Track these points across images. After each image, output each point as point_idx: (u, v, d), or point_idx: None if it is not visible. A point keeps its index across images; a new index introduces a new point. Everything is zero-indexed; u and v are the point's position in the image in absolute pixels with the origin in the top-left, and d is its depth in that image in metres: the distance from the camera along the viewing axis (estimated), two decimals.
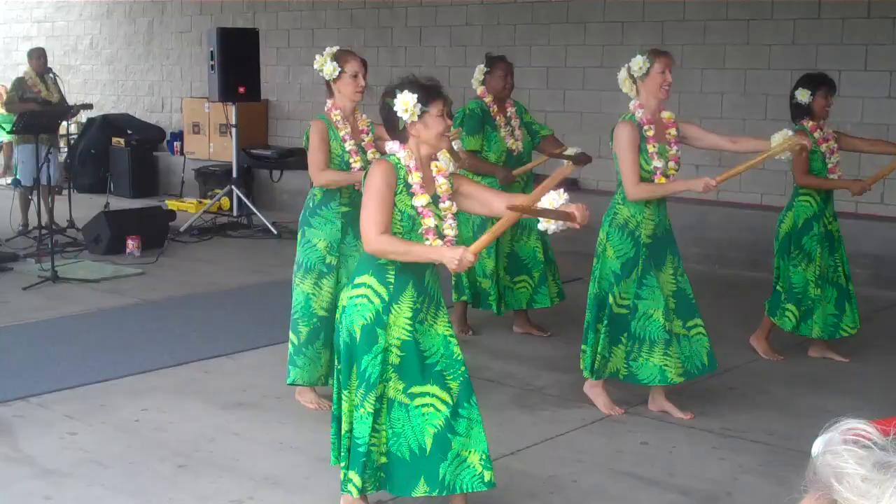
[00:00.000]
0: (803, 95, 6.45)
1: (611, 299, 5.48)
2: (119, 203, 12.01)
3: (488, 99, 6.96)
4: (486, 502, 4.46)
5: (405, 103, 3.95)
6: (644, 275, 5.46)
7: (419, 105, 3.96)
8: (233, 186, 11.80)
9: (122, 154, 13.99)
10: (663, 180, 5.42)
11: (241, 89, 11.62)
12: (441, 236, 4.05)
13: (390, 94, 4.01)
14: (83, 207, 11.37)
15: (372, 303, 4.01)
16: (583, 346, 5.66)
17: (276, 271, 9.33)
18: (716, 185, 5.33)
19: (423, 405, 4.03)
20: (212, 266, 9.67)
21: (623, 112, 5.56)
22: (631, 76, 5.49)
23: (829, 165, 6.45)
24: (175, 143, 14.39)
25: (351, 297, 4.06)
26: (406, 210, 4.00)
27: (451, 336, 4.13)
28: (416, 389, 4.03)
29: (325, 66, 5.48)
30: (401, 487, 4.12)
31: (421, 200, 4.00)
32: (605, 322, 5.50)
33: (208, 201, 12.14)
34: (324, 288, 5.58)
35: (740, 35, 9.69)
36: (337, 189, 5.55)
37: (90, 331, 7.31)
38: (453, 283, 7.06)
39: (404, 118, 3.97)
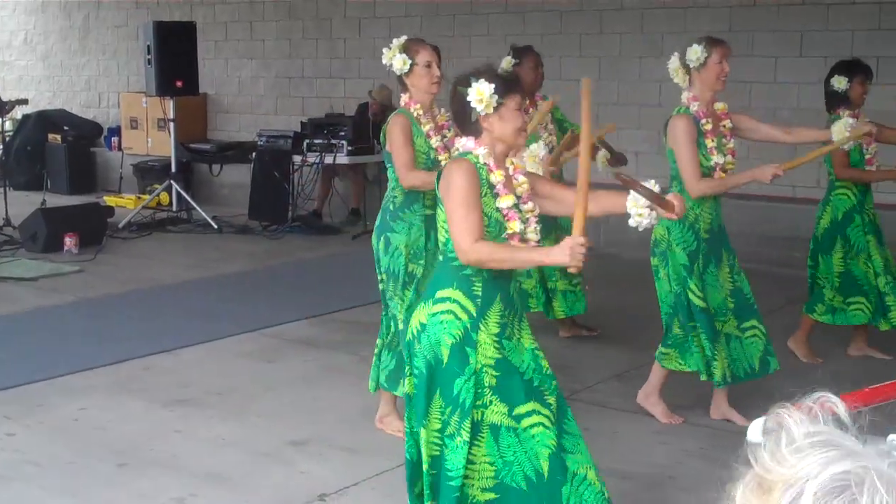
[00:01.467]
0: (840, 83, 6.17)
1: (690, 295, 5.21)
2: (56, 200, 11.85)
3: None
4: None
5: (480, 93, 3.56)
6: (703, 271, 5.25)
7: (496, 96, 3.57)
8: (172, 181, 11.67)
9: (58, 150, 13.78)
10: (723, 175, 5.20)
11: (179, 83, 11.49)
12: (524, 241, 3.69)
13: (464, 82, 3.64)
14: (19, 205, 11.18)
15: (459, 319, 3.58)
16: (664, 350, 5.40)
17: (216, 266, 9.27)
18: (782, 173, 5.11)
19: (532, 426, 3.60)
20: (151, 262, 9.56)
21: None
22: (685, 66, 5.20)
23: (867, 156, 6.22)
24: (112, 139, 14.20)
25: (434, 314, 3.61)
26: (492, 213, 3.60)
27: (537, 349, 3.75)
28: (520, 410, 3.60)
29: (395, 59, 4.99)
30: None
31: (506, 202, 3.62)
32: (698, 320, 5.22)
33: (147, 197, 12.00)
34: (405, 299, 5.06)
35: (678, 23, 9.74)
36: (419, 191, 5.04)
37: (27, 330, 7.20)
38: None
39: (478, 109, 3.59)
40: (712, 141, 5.17)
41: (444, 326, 3.59)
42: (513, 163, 3.74)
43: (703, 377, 5.30)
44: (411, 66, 4.98)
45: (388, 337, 5.20)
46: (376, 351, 5.27)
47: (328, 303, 7.81)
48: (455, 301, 3.60)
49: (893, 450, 1.10)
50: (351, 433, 5.28)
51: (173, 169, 11.82)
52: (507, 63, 6.45)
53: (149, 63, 11.44)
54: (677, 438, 5.19)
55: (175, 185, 11.64)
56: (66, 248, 9.67)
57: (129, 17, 14.56)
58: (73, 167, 13.71)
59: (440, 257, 3.75)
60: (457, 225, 3.54)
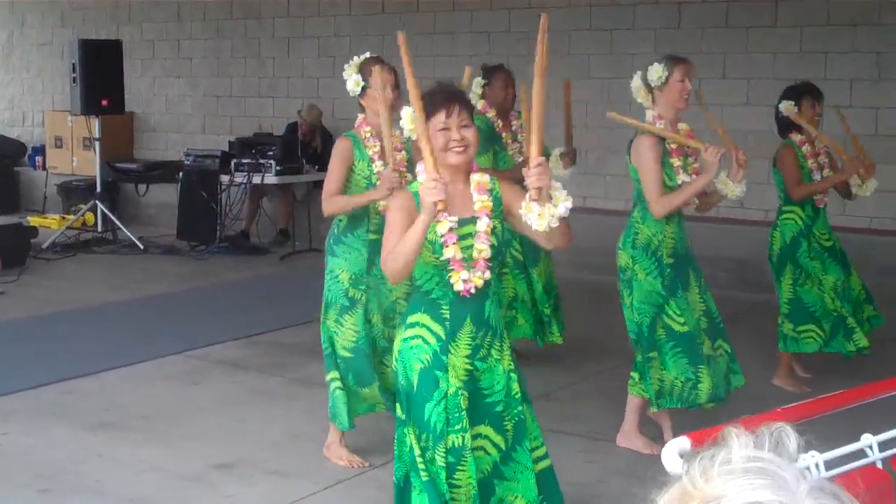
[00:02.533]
0: (788, 108, 6.19)
1: (667, 320, 5.11)
2: None
3: (491, 113, 6.45)
4: None
5: (408, 117, 3.56)
6: (684, 295, 5.17)
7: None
8: (97, 201, 11.53)
9: None
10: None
11: (105, 102, 11.37)
12: (470, 260, 3.58)
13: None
14: None
15: (428, 343, 3.58)
16: (637, 378, 5.32)
17: (141, 287, 9.17)
18: (723, 150, 4.94)
19: (476, 448, 3.62)
20: (75, 283, 9.43)
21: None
22: (647, 85, 5.13)
23: (811, 167, 6.23)
24: (37, 158, 14.01)
25: (405, 340, 3.63)
26: (434, 239, 3.53)
27: (513, 372, 3.71)
28: (474, 431, 3.62)
29: (349, 80, 4.92)
30: None
31: (442, 227, 3.53)
32: (672, 345, 5.11)
33: (72, 217, 11.84)
34: (346, 325, 4.97)
35: (604, 45, 9.86)
36: (365, 214, 4.95)
37: None
38: None
39: (411, 135, 3.60)
40: (678, 160, 5.10)
41: (414, 352, 3.59)
42: (477, 180, 3.64)
43: (654, 408, 5.26)
44: (364, 87, 4.92)
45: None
46: None
47: (256, 324, 7.76)
48: (423, 325, 3.59)
49: (822, 489, 1.11)
50: (278, 456, 5.24)
51: (98, 189, 11.68)
52: (476, 84, 6.37)
53: (74, 81, 11.31)
54: (603, 457, 5.24)
55: (100, 205, 11.50)
56: None
57: (55, 35, 14.39)
58: None
59: (410, 283, 3.74)
60: (385, 244, 3.54)
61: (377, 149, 4.94)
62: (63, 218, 12.09)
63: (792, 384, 6.35)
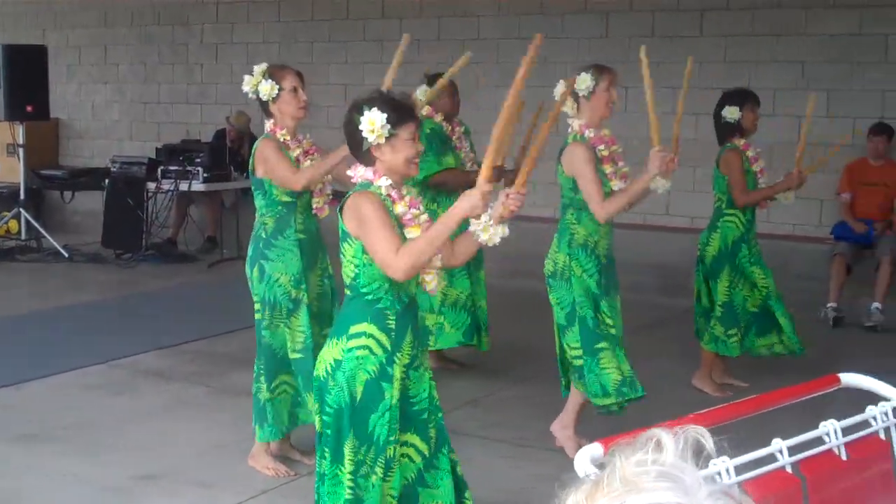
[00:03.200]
0: (732, 113, 6.29)
1: (599, 317, 5.18)
2: None
3: (439, 118, 6.56)
4: None
5: (372, 122, 3.52)
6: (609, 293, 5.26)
7: (388, 126, 3.53)
8: (21, 209, 11.33)
9: None
10: None
11: (29, 108, 11.16)
12: (429, 269, 3.66)
13: (357, 109, 3.59)
14: None
15: (375, 354, 3.56)
16: (575, 381, 5.32)
17: (65, 296, 9.04)
18: (665, 151, 5.03)
19: (402, 455, 3.66)
20: None
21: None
22: (574, 94, 5.18)
23: (762, 186, 6.36)
24: None
25: (349, 350, 3.57)
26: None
27: (432, 379, 3.78)
28: (401, 439, 3.66)
29: (261, 85, 4.91)
30: None
31: (413, 233, 3.57)
32: (608, 340, 5.19)
33: None
34: (293, 326, 4.96)
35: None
36: (291, 215, 4.96)
37: None
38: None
39: (370, 139, 3.55)
40: (610, 167, 5.18)
41: (360, 362, 3.56)
42: (409, 191, 3.71)
43: (597, 402, 5.26)
44: (279, 91, 4.94)
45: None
46: None
47: (182, 333, 7.68)
48: (370, 336, 3.57)
49: (723, 493, 1.13)
50: (203, 467, 5.19)
51: (22, 196, 11.47)
52: (422, 92, 6.35)
53: None
54: (529, 464, 5.26)
55: (24, 213, 11.30)
56: None
57: None
58: None
59: (349, 292, 3.67)
60: (380, 246, 3.49)
61: (299, 150, 5.01)
62: None
63: (711, 387, 6.44)
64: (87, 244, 11.16)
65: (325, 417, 3.64)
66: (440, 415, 3.77)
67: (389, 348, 3.57)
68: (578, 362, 5.23)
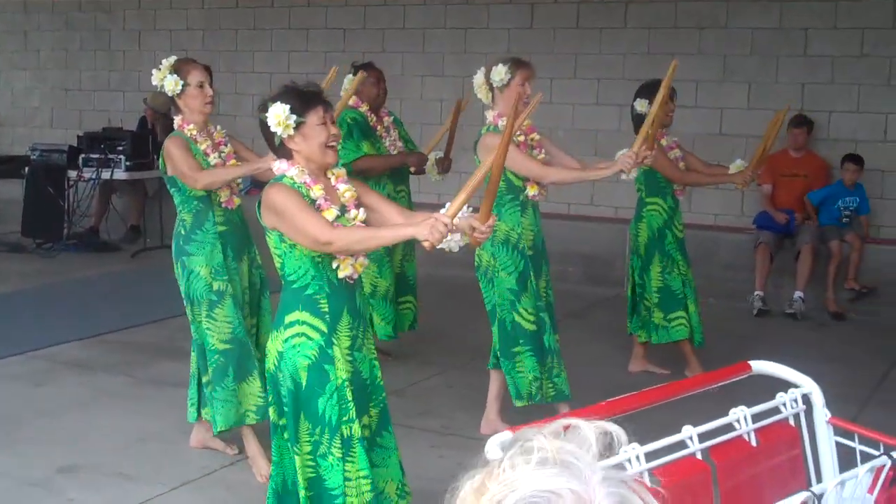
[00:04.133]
0: (642, 105, 6.29)
1: (517, 318, 5.25)
2: None
3: (364, 108, 6.53)
4: None
5: (277, 116, 3.54)
6: (536, 286, 5.29)
7: (293, 116, 3.55)
8: None
9: None
10: (535, 188, 5.24)
11: None
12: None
13: (263, 107, 3.63)
14: None
15: (311, 339, 3.60)
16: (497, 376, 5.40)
17: None
18: (637, 159, 5.19)
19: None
20: None
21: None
22: (489, 84, 5.27)
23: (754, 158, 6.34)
24: None
25: (287, 340, 3.62)
26: None
27: (375, 359, 3.83)
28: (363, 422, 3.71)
29: (166, 80, 4.90)
30: None
31: (330, 215, 3.59)
32: (524, 343, 5.27)
33: None
34: (219, 318, 4.93)
35: (458, 43, 9.94)
36: (209, 209, 4.96)
37: None
38: None
39: (279, 132, 3.57)
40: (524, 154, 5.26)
41: (298, 350, 3.60)
42: (333, 172, 3.72)
43: (516, 402, 5.34)
44: (183, 86, 4.93)
45: (195, 365, 5.12)
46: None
47: (104, 323, 7.58)
48: (304, 323, 3.61)
49: (615, 478, 1.15)
50: (125, 459, 5.14)
51: None
52: (348, 81, 6.46)
53: None
54: (454, 452, 5.28)
55: None
56: None
57: None
58: None
59: (283, 283, 3.72)
60: (308, 227, 3.51)
61: (207, 144, 5.01)
62: None
63: (652, 364, 6.57)
64: (6, 233, 10.97)
65: (283, 408, 3.67)
66: (383, 395, 3.82)
67: (326, 331, 3.61)
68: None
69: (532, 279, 5.29)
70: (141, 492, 4.75)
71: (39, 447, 5.29)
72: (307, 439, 3.62)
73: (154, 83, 5.00)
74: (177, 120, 5.02)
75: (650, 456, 2.16)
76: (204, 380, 5.04)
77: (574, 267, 9.00)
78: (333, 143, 3.65)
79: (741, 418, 2.44)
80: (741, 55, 8.95)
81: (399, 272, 6.64)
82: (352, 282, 3.70)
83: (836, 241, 8.20)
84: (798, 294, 8.09)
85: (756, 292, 8.20)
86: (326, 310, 3.62)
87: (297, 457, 3.63)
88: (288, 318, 3.64)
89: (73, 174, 10.56)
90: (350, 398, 3.60)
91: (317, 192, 3.61)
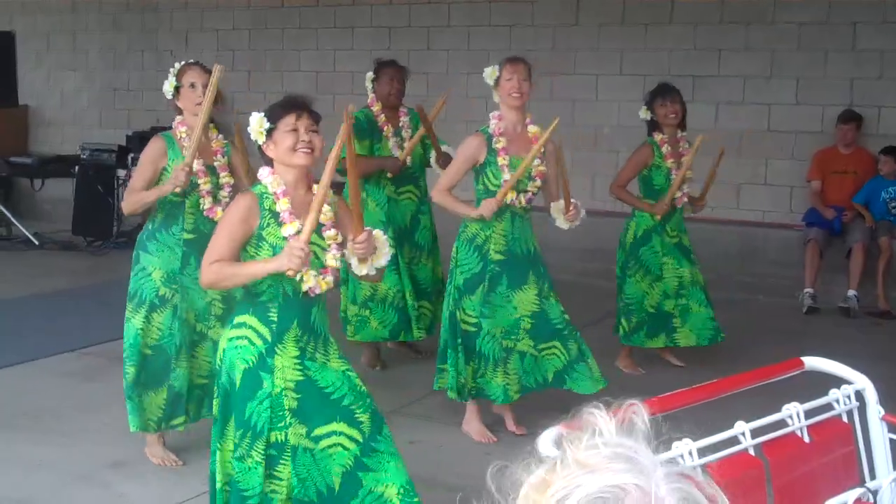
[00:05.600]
0: (643, 113, 6.38)
1: (459, 315, 5.30)
2: None
3: (377, 108, 6.49)
4: None
5: (253, 124, 3.72)
6: (489, 292, 5.25)
7: (266, 123, 3.69)
8: None
9: None
10: (513, 195, 5.19)
11: None
12: (322, 267, 3.76)
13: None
14: None
15: (254, 345, 3.69)
16: (440, 365, 5.45)
17: (36, 283, 8.99)
18: (496, 207, 5.15)
19: (330, 446, 3.72)
20: None
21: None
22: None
23: (674, 181, 6.29)
24: None
25: (231, 339, 3.73)
26: (278, 244, 3.67)
27: (349, 370, 3.84)
28: (319, 431, 3.71)
29: (165, 83, 5.00)
30: None
31: (289, 229, 3.66)
32: (460, 340, 5.32)
33: None
34: (153, 322, 4.94)
35: (503, 41, 9.93)
36: (180, 212, 4.92)
37: None
38: (357, 323, 6.50)
39: (257, 140, 3.73)
40: (504, 159, 5.20)
41: (239, 351, 3.70)
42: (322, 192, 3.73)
43: (451, 395, 5.41)
44: (177, 87, 4.97)
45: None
46: None
47: None
48: (250, 327, 3.71)
49: (673, 472, 1.15)
50: (174, 453, 5.18)
51: None
52: (368, 79, 6.51)
53: None
54: (500, 450, 5.28)
55: None
56: None
57: None
58: None
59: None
60: (209, 248, 3.71)
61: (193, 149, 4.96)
62: None
63: (630, 366, 6.62)
64: (56, 232, 11.10)
65: (217, 400, 3.80)
66: (369, 400, 3.82)
67: (270, 340, 3.69)
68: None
69: (486, 286, 5.26)
70: (188, 487, 4.80)
71: (90, 442, 5.35)
72: (231, 438, 3.72)
73: (164, 89, 5.04)
74: (176, 119, 5.03)
75: (702, 452, 2.15)
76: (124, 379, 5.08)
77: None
78: (303, 149, 3.69)
79: (794, 414, 2.42)
80: (789, 50, 8.87)
81: (409, 276, 6.57)
82: (312, 295, 3.75)
83: (886, 237, 8.13)
84: (852, 292, 8.03)
85: (806, 290, 8.13)
86: (275, 319, 3.71)
87: (219, 451, 3.76)
88: (237, 319, 3.77)
89: (122, 173, 10.67)
90: (289, 406, 3.68)
91: (282, 205, 3.70)
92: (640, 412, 1.22)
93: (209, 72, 4.89)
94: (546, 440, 1.87)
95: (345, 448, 3.73)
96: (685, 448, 2.06)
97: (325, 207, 3.74)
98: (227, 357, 3.72)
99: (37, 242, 10.63)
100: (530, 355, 5.36)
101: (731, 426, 2.33)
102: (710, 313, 6.46)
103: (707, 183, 6.55)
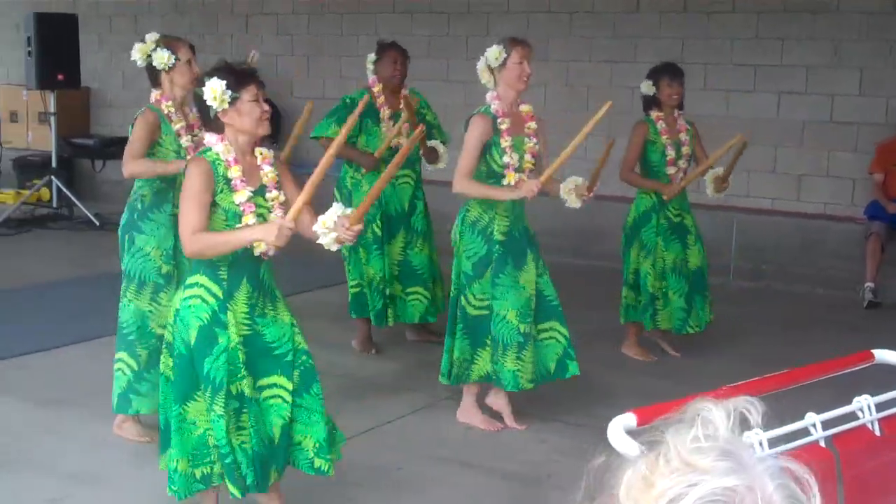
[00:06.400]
0: (647, 87, 6.43)
1: (463, 301, 5.31)
2: None
3: (377, 88, 6.50)
4: (310, 493, 4.46)
5: (213, 91, 3.79)
6: (497, 274, 5.24)
7: (229, 91, 3.80)
8: (52, 176, 11.41)
9: None
10: (514, 176, 5.19)
11: (60, 76, 11.24)
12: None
13: (200, 82, 3.90)
14: None
15: (207, 302, 3.87)
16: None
17: (97, 264, 9.07)
18: (538, 189, 5.12)
19: (271, 397, 3.98)
20: (30, 259, 9.36)
21: (478, 105, 5.38)
22: (489, 67, 5.26)
23: (668, 158, 6.37)
24: None
25: (184, 299, 3.91)
26: (231, 209, 3.86)
27: (295, 326, 4.06)
28: (263, 382, 3.96)
29: (157, 54, 4.95)
30: (263, 483, 3.97)
31: (241, 196, 3.85)
32: (461, 325, 5.32)
33: (26, 192, 11.71)
34: (162, 303, 4.96)
35: (563, 27, 9.89)
36: (169, 189, 5.00)
37: None
38: (350, 300, 6.57)
39: (214, 106, 3.81)
40: (507, 140, 5.20)
41: (192, 310, 3.88)
42: (262, 153, 3.97)
43: (442, 379, 5.42)
44: (175, 61, 5.00)
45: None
46: None
47: None
48: (202, 286, 3.89)
49: (776, 468, 1.12)
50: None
51: (54, 164, 11.57)
52: (369, 60, 6.56)
53: (29, 55, 11.17)
54: (555, 437, 5.28)
55: (56, 181, 11.39)
56: None
57: (10, 7, 14.19)
58: None
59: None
60: (182, 220, 3.84)
61: (182, 124, 5.04)
62: (18, 193, 11.97)
63: (639, 353, 6.61)
64: (117, 213, 11.17)
65: (173, 360, 3.93)
66: (305, 358, 4.03)
67: (221, 297, 3.88)
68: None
69: (493, 267, 5.25)
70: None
71: (154, 420, 5.39)
72: (200, 394, 3.89)
73: (135, 58, 5.05)
74: (154, 94, 5.06)
75: (772, 442, 2.13)
76: (116, 356, 5.06)
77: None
78: (265, 118, 3.90)
79: (865, 407, 2.39)
80: (853, 40, 8.74)
81: (401, 260, 6.55)
82: (265, 258, 3.95)
83: None
84: None
85: (867, 283, 8.03)
86: (225, 277, 3.89)
87: (183, 412, 3.91)
88: (190, 280, 3.95)
89: None
90: (242, 360, 3.87)
91: (234, 172, 3.85)
92: (755, 406, 1.19)
93: (192, 47, 5.14)
94: (617, 429, 1.85)
95: (284, 400, 3.97)
96: (755, 438, 2.04)
97: (268, 169, 3.94)
98: (182, 317, 3.88)
99: (97, 223, 10.75)
100: (533, 339, 5.32)
101: (794, 418, 2.31)
102: (681, 304, 6.42)
103: (731, 164, 6.42)
